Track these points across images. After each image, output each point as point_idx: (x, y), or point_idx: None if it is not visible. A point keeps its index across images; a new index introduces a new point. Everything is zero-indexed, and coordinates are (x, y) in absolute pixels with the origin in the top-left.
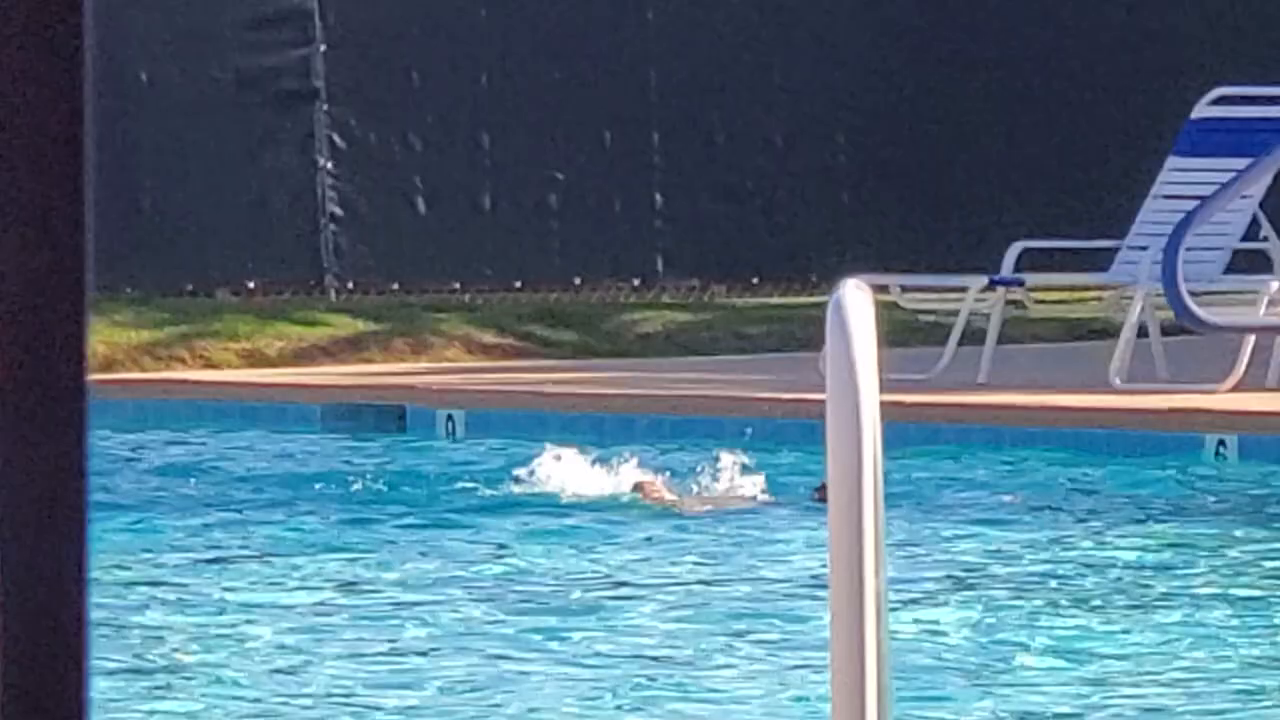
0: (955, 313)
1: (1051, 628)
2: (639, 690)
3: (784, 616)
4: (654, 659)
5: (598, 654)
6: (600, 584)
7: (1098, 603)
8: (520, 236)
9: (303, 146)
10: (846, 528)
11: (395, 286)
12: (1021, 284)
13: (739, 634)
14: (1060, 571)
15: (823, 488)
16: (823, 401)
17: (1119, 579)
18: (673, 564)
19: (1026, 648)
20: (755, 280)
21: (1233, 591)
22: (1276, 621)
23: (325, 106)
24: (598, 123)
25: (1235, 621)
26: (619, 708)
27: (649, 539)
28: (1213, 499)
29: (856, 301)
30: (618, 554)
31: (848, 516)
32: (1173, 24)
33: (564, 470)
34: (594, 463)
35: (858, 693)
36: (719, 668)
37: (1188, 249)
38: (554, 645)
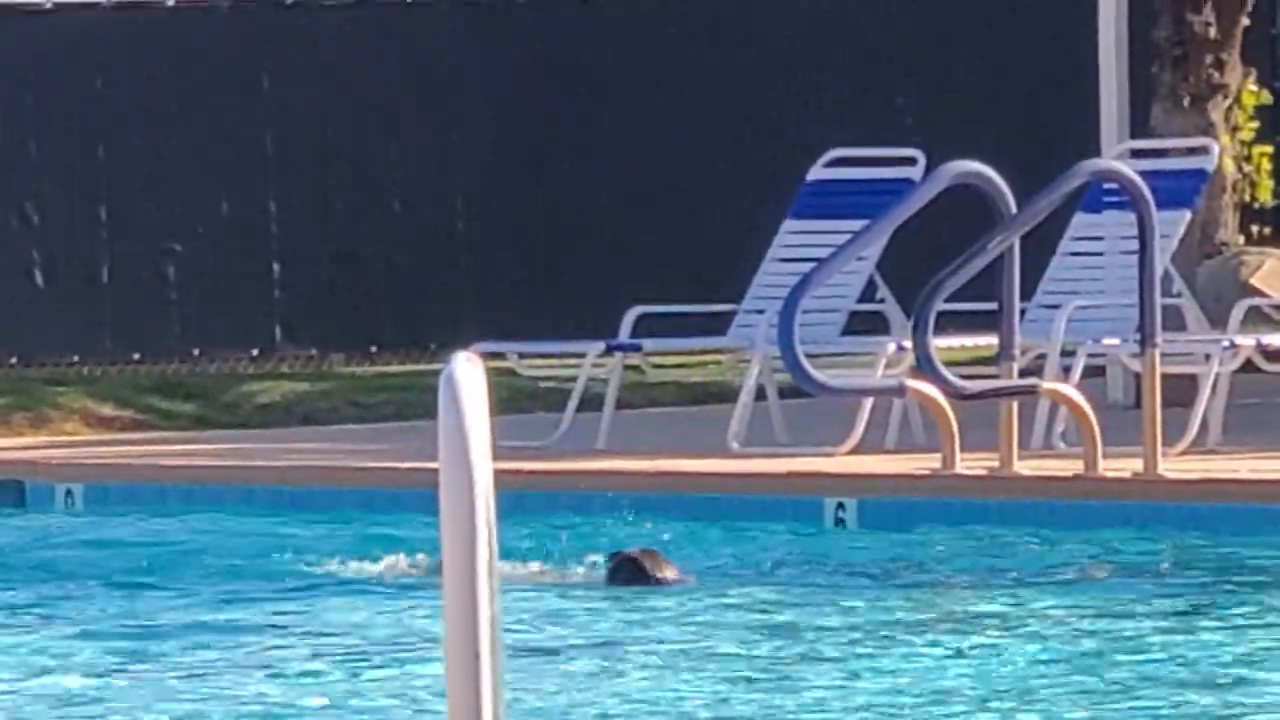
0: (573, 379)
1: (666, 694)
2: None
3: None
4: None
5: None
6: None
7: (714, 666)
8: (138, 308)
9: None
10: (461, 593)
11: (13, 360)
12: (639, 349)
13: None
14: (680, 638)
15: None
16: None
17: (741, 642)
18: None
19: (657, 710)
20: (373, 349)
21: (852, 653)
22: (889, 683)
23: None
24: (214, 192)
25: (849, 682)
26: None
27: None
28: (832, 563)
29: (468, 374)
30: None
31: (462, 583)
32: (787, 88)
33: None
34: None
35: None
36: None
37: (805, 312)
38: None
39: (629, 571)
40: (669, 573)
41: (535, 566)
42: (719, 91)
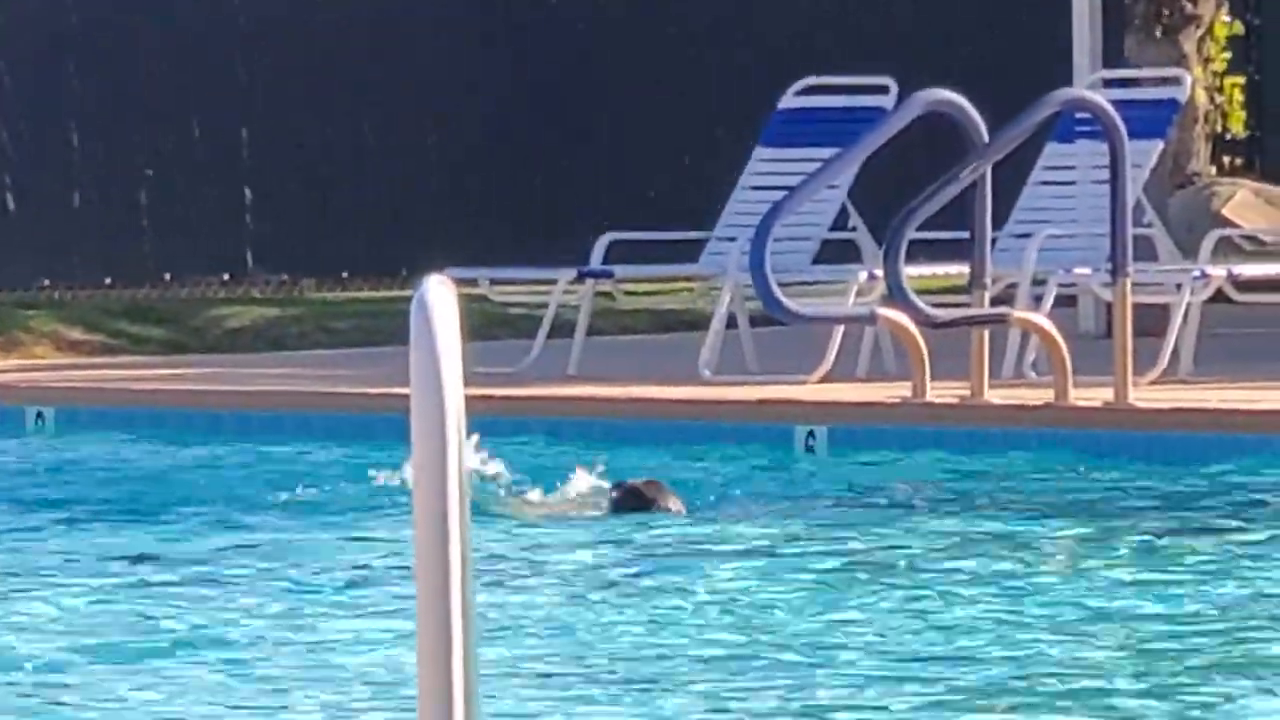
0: (544, 305)
1: (640, 619)
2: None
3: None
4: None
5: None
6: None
7: (689, 591)
8: (109, 233)
9: None
10: (432, 519)
11: None
12: (610, 276)
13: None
14: (650, 565)
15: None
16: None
17: (705, 570)
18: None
19: (630, 632)
20: (344, 275)
21: (819, 580)
22: (871, 608)
23: None
24: (186, 118)
25: (821, 608)
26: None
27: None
28: (802, 490)
29: (439, 297)
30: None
31: (433, 507)
32: (760, 15)
33: None
34: None
35: (444, 671)
36: None
37: (776, 240)
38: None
39: (633, 502)
40: (672, 504)
41: (534, 495)
42: (694, 17)
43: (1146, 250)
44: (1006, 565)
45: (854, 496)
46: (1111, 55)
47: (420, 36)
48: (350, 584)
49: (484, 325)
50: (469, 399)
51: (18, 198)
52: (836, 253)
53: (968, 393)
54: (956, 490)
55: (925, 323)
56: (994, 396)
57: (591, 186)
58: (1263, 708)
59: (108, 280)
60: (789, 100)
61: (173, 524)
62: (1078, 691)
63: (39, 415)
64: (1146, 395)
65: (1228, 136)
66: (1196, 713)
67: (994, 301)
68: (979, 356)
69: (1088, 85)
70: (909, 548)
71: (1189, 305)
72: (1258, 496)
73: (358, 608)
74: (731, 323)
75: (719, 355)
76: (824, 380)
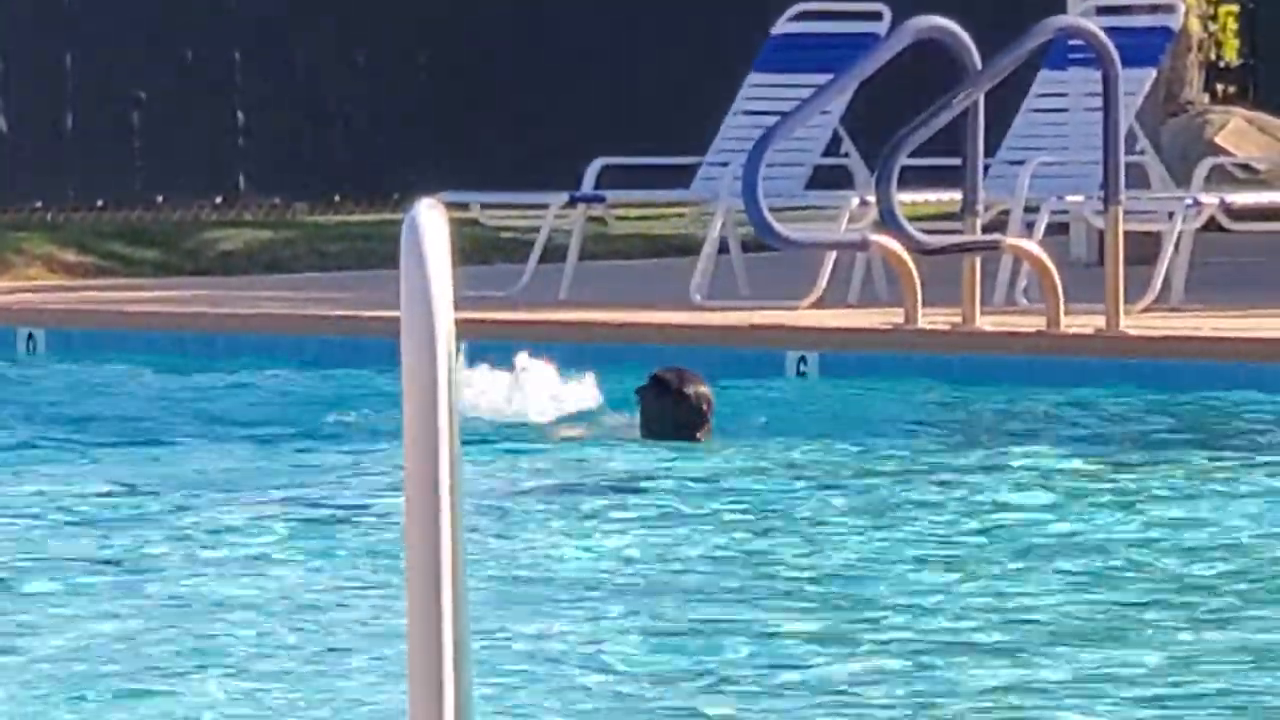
0: (536, 230)
1: (648, 542)
2: None
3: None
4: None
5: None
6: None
7: (688, 512)
8: (103, 155)
9: None
10: (422, 442)
11: None
12: (603, 200)
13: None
14: (639, 486)
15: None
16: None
17: (693, 492)
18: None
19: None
20: (337, 198)
21: (811, 505)
22: (852, 539)
23: None
24: (179, 40)
25: (820, 537)
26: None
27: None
28: (793, 415)
29: (430, 220)
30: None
31: (423, 431)
32: None
33: None
34: None
35: (434, 594)
36: None
37: (769, 165)
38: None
39: (657, 388)
40: (700, 389)
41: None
42: None
43: (1139, 178)
44: (993, 492)
45: (844, 422)
46: None
47: None
48: (335, 505)
49: (476, 249)
50: (460, 322)
51: (11, 120)
52: (829, 178)
53: (959, 319)
54: (946, 416)
55: (917, 249)
56: (985, 323)
57: (584, 111)
58: (1256, 627)
59: (100, 203)
60: (783, 25)
61: (165, 445)
62: (1065, 616)
63: (30, 337)
64: (1138, 323)
65: (1221, 64)
66: (1188, 635)
67: (986, 228)
68: (971, 283)
69: (1081, 12)
70: (898, 474)
71: (1181, 233)
72: (1247, 424)
73: (347, 527)
74: (723, 248)
75: (711, 281)
76: (816, 306)
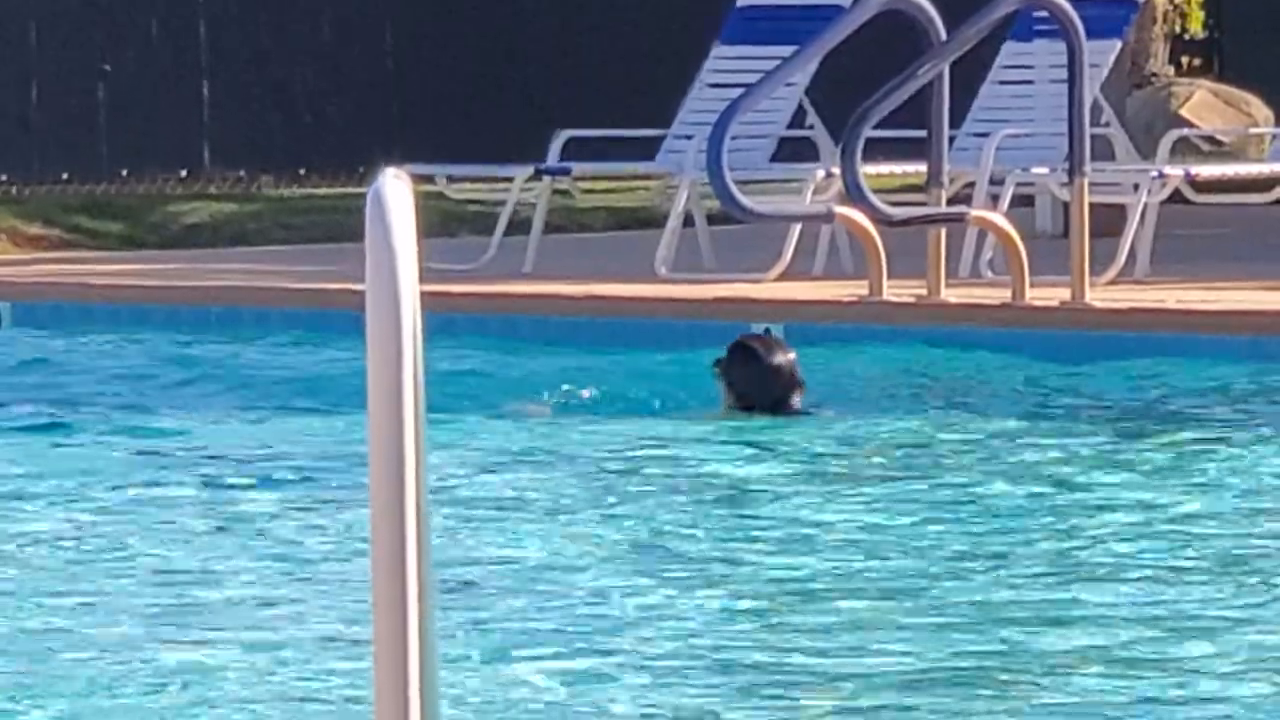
0: (501, 202)
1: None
2: None
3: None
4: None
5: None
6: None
7: (655, 489)
8: (67, 128)
9: None
10: (387, 416)
11: None
12: (568, 173)
13: None
14: (618, 464)
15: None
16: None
17: (651, 467)
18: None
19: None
20: (302, 171)
21: (775, 476)
22: (817, 515)
23: None
24: (144, 13)
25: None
26: None
27: None
28: None
29: (395, 191)
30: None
31: (388, 405)
32: None
33: None
34: None
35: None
36: None
37: (733, 138)
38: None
39: (741, 354)
40: (789, 355)
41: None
42: None
43: (1104, 150)
44: (957, 464)
45: (808, 394)
46: None
47: None
48: (300, 477)
49: (441, 222)
50: (426, 295)
51: None
52: (794, 151)
53: (924, 292)
54: (912, 389)
55: (882, 221)
56: (950, 295)
57: (549, 83)
58: (1215, 600)
59: (65, 176)
60: None
61: (130, 418)
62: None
63: None
64: (1103, 295)
65: (1186, 36)
66: (1158, 610)
67: (951, 201)
68: (936, 255)
69: None
70: (863, 446)
71: (1146, 205)
72: (1211, 396)
73: (312, 499)
74: (688, 220)
75: (676, 253)
76: (781, 278)
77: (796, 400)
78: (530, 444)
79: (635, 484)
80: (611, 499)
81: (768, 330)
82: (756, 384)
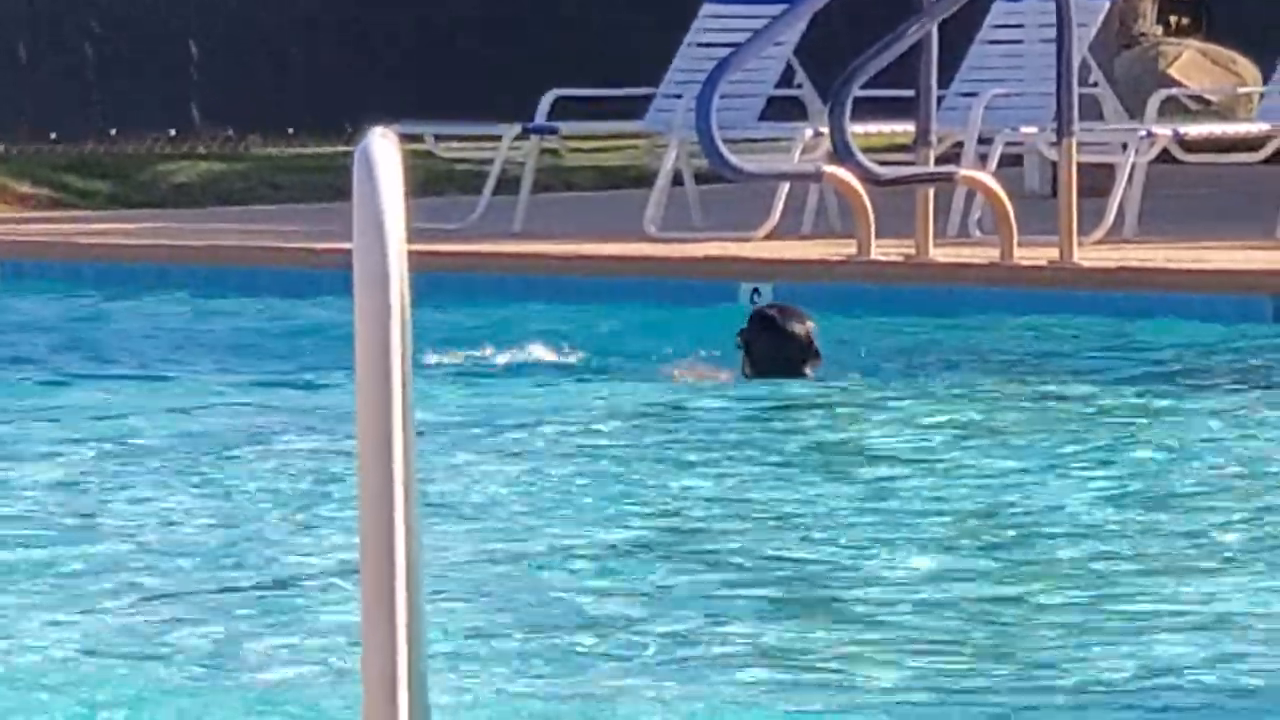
0: (490, 161)
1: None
2: None
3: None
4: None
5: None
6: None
7: (644, 447)
8: (56, 87)
9: None
10: (375, 374)
11: None
12: (556, 132)
13: None
14: (602, 422)
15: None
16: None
17: (643, 425)
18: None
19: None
20: (290, 131)
21: (759, 434)
22: (807, 475)
23: None
24: None
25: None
26: None
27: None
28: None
29: (383, 150)
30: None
31: (376, 363)
32: None
33: None
34: None
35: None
36: None
37: (722, 96)
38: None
39: (762, 324)
40: (807, 324)
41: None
42: None
43: (1092, 110)
44: (947, 422)
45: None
46: None
47: None
48: (290, 435)
49: (429, 181)
50: (414, 255)
51: None
52: (782, 110)
53: (913, 251)
54: (899, 347)
55: (871, 180)
56: (939, 255)
57: (537, 42)
58: (1197, 548)
59: (54, 135)
60: None
61: (117, 377)
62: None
63: None
64: (1091, 255)
65: None
66: (1137, 565)
67: (940, 160)
68: (924, 215)
69: None
70: (850, 405)
71: (1134, 165)
72: (1200, 355)
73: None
74: (677, 179)
75: (664, 212)
76: (769, 237)
77: (810, 370)
78: (513, 401)
79: (624, 443)
80: (603, 460)
81: (756, 290)
82: (770, 352)
